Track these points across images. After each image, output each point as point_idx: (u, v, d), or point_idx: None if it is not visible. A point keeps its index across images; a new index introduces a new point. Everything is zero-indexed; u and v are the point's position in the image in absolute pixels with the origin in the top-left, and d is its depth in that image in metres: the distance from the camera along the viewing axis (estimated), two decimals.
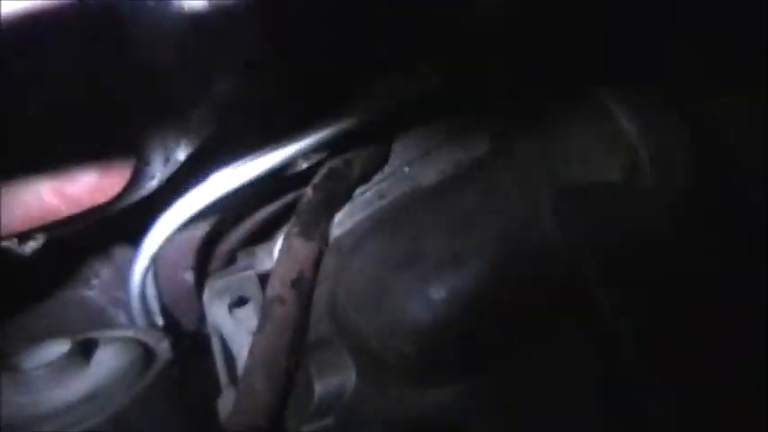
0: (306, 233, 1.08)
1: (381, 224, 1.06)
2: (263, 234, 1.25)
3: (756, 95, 0.99)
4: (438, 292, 0.97)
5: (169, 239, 1.07)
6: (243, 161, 1.08)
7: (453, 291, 0.98)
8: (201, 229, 1.21)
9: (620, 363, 0.90)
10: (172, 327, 1.16)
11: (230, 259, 1.25)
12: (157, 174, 1.01)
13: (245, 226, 1.26)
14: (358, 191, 1.15)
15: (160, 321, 1.15)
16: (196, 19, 0.96)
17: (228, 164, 1.08)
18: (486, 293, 0.97)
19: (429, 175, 1.12)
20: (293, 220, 1.10)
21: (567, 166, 0.99)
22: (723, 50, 1.06)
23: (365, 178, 1.15)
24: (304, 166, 1.13)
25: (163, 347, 0.99)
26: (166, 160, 1.02)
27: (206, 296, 1.09)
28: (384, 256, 1.01)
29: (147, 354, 0.98)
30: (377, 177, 1.16)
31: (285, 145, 1.08)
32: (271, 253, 1.11)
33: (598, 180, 0.98)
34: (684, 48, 1.07)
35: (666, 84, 1.02)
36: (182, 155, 1.03)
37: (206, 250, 1.25)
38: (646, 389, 0.88)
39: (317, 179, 1.13)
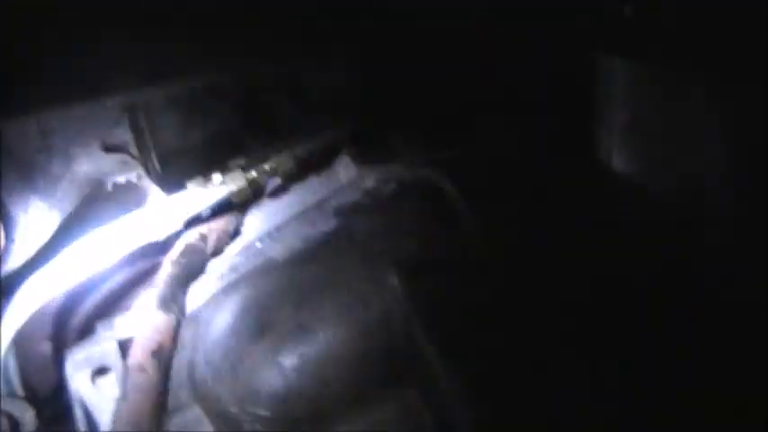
0: (164, 305, 1.15)
1: (234, 297, 1.13)
2: (120, 301, 1.30)
3: None
4: (288, 360, 1.05)
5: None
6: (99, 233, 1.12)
7: (302, 357, 1.06)
8: (56, 299, 1.26)
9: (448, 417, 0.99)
10: (31, 397, 1.19)
11: (87, 328, 1.29)
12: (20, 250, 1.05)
13: (101, 294, 1.31)
14: (212, 264, 1.21)
15: (20, 392, 1.18)
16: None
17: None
18: (332, 359, 1.06)
19: (279, 249, 1.20)
20: (152, 292, 1.17)
21: (405, 241, 1.08)
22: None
23: (218, 251, 1.22)
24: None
25: (28, 417, 1.04)
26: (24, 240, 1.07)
27: (68, 367, 1.13)
28: (238, 327, 1.09)
29: (13, 424, 1.02)
30: (230, 251, 1.21)
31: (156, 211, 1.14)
32: (129, 323, 1.16)
33: (433, 255, 1.07)
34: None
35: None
36: (44, 232, 1.07)
37: (62, 320, 1.30)
38: None
39: (173, 253, 1.19)
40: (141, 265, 1.28)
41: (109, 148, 1.15)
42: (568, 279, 1.15)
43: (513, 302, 1.04)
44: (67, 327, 1.31)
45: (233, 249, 1.24)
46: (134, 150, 1.16)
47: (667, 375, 1.07)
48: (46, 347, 1.25)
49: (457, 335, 1.03)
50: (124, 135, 1.15)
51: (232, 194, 1.14)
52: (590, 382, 1.03)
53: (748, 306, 1.07)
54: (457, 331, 1.04)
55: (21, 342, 1.21)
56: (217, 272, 1.20)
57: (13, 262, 1.08)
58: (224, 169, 1.17)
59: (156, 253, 1.24)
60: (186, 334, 1.14)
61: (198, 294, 1.19)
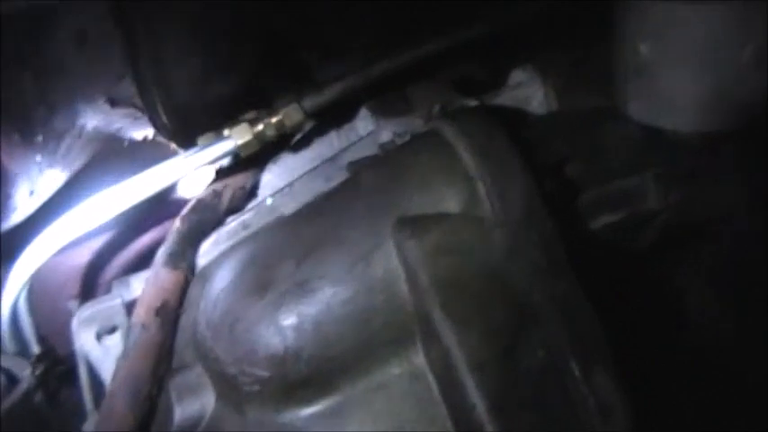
0: (172, 262, 1.11)
1: (238, 253, 1.08)
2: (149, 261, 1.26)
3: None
4: (287, 319, 0.99)
5: (41, 266, 1.07)
6: (122, 186, 1.08)
7: (301, 317, 1.00)
8: (86, 257, 1.23)
9: (457, 387, 0.91)
10: (48, 355, 1.17)
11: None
12: (20, 206, 1.02)
13: (130, 252, 1.28)
14: (226, 221, 1.16)
15: (35, 350, 1.16)
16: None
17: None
18: (333, 319, 1.00)
19: (291, 205, 1.14)
20: (161, 249, 1.12)
21: (408, 196, 1.00)
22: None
23: (234, 210, 1.17)
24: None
25: (26, 374, 1.01)
26: (31, 192, 1.04)
27: (74, 324, 1.10)
28: (238, 285, 1.04)
29: (10, 380, 1.00)
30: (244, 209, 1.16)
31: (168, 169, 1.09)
32: (142, 283, 1.12)
33: (437, 210, 0.99)
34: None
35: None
36: (48, 187, 1.04)
37: (91, 278, 1.27)
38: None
39: (185, 210, 1.15)
40: (169, 225, 1.21)
41: (115, 102, 1.09)
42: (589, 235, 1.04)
43: (525, 267, 0.93)
44: (95, 285, 1.27)
45: (248, 206, 1.16)
46: (140, 105, 1.09)
47: None
48: (72, 305, 1.20)
49: (467, 297, 0.95)
50: (130, 88, 1.08)
51: (239, 148, 1.07)
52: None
53: None
54: (467, 293, 0.95)
55: (44, 299, 1.17)
56: (228, 229, 1.15)
57: (14, 218, 1.03)
58: (233, 123, 1.09)
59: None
60: (193, 292, 1.09)
61: (208, 251, 1.13)
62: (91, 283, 1.29)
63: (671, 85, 1.02)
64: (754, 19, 0.98)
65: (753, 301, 1.11)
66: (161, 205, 1.18)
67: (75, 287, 1.25)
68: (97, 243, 1.27)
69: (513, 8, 1.19)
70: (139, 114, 1.14)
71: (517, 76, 1.23)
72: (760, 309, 1.10)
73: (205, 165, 1.11)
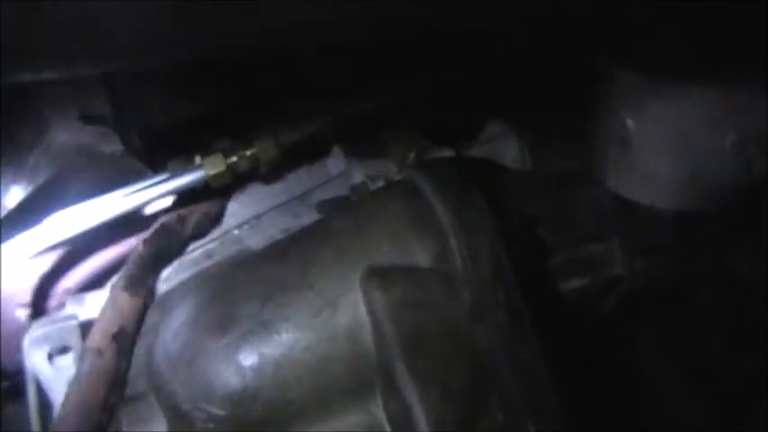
0: (131, 287, 1.08)
1: (202, 286, 1.05)
2: (106, 279, 1.23)
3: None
4: (247, 359, 0.97)
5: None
6: (87, 205, 1.04)
7: (262, 358, 0.97)
8: (41, 267, 1.19)
9: None
10: None
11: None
12: None
13: (86, 268, 1.23)
14: (189, 248, 1.12)
15: None
16: None
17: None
18: (294, 362, 0.97)
19: (257, 239, 1.12)
20: (121, 272, 1.09)
21: (378, 245, 0.98)
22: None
23: (197, 236, 1.14)
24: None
25: None
26: None
27: (26, 342, 1.06)
28: (200, 320, 1.01)
29: None
30: (208, 237, 1.13)
31: (136, 189, 1.05)
32: (97, 303, 1.08)
33: (407, 262, 0.97)
34: None
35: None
36: (13, 199, 1.00)
37: (44, 289, 1.23)
38: None
39: (148, 233, 1.11)
40: (129, 244, 1.18)
41: (87, 119, 1.05)
42: (555, 298, 1.04)
43: (490, 328, 0.91)
44: (47, 297, 1.23)
45: (211, 235, 1.13)
46: (113, 123, 1.05)
47: None
48: (22, 314, 1.16)
49: (431, 354, 0.94)
50: (104, 106, 1.05)
51: (210, 178, 1.03)
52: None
53: None
54: (432, 350, 0.94)
55: None
56: (191, 257, 1.11)
57: None
58: (206, 151, 1.06)
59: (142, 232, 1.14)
60: (151, 319, 1.06)
61: (169, 278, 1.09)
62: (43, 295, 1.24)
63: (651, 160, 1.02)
64: (739, 107, 0.98)
65: (710, 371, 1.11)
66: (123, 223, 1.13)
67: (25, 297, 1.20)
68: (54, 254, 1.22)
69: (489, 58, 1.17)
70: (110, 132, 1.09)
71: (492, 128, 1.22)
72: (717, 378, 1.11)
73: (174, 192, 1.06)
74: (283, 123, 1.11)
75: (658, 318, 1.15)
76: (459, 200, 1.01)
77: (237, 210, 1.17)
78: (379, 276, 0.98)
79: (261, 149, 1.08)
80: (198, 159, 1.08)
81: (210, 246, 1.13)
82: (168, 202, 1.15)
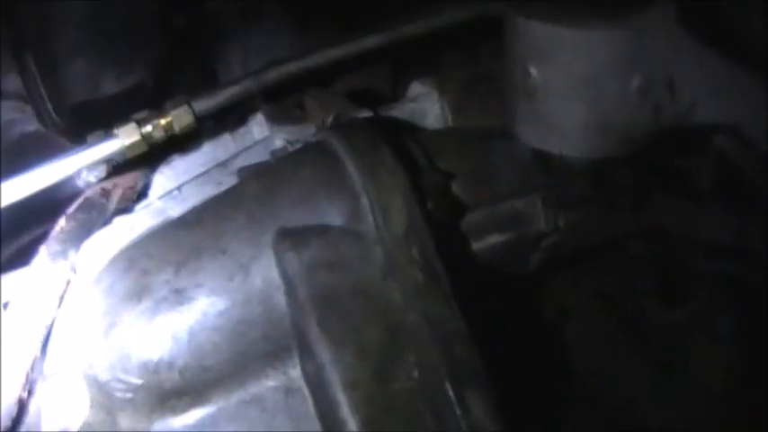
0: (53, 261, 1.05)
1: (118, 256, 1.03)
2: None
3: None
4: (162, 327, 0.95)
5: None
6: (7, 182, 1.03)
7: (177, 325, 0.96)
8: None
9: (331, 404, 0.89)
10: None
11: None
12: None
13: (10, 249, 1.22)
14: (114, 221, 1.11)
15: None
16: None
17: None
18: (209, 328, 0.96)
19: (179, 209, 1.10)
20: (43, 248, 1.07)
21: (289, 207, 0.96)
22: None
23: (123, 210, 1.12)
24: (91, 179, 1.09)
25: None
26: None
27: None
28: (115, 289, 0.99)
29: None
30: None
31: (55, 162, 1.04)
32: (18, 281, 1.06)
33: (318, 223, 0.95)
34: None
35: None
36: None
37: None
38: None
39: (71, 208, 1.09)
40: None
41: (1, 95, 1.03)
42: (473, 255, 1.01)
43: (404, 286, 0.89)
44: None
45: (136, 207, 1.11)
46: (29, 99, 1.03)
47: None
48: None
49: (344, 314, 0.92)
50: (16, 81, 1.02)
51: (125, 148, 1.01)
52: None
53: None
54: (344, 310, 0.92)
55: None
56: (113, 229, 1.08)
57: None
58: (124, 123, 1.04)
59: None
60: (73, 293, 1.03)
61: (92, 251, 1.06)
62: None
63: (559, 109, 1.00)
64: (642, 49, 0.96)
65: (639, 327, 1.09)
66: (46, 201, 1.11)
67: None
68: None
69: (415, 20, 1.15)
70: (28, 108, 1.07)
71: (415, 89, 1.20)
72: (646, 333, 1.08)
73: (92, 163, 1.04)
74: (199, 91, 1.07)
75: (586, 272, 1.12)
76: (370, 158, 0.98)
77: (162, 182, 1.15)
78: (291, 238, 0.96)
79: (175, 117, 1.05)
80: (115, 131, 1.04)
81: (133, 217, 1.10)
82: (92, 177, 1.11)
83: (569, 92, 0.99)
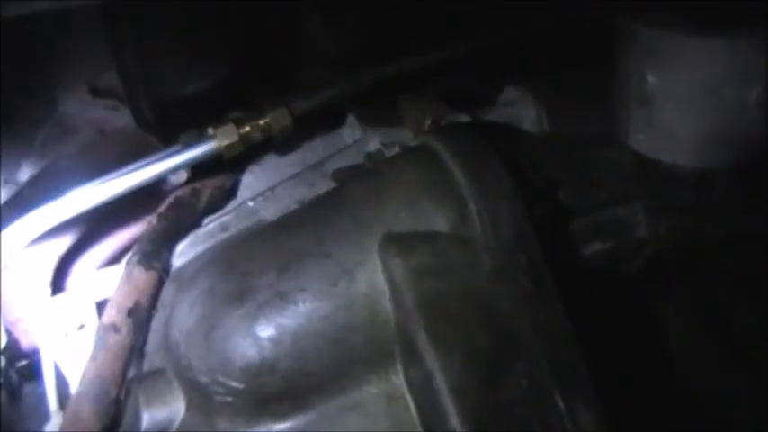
0: (146, 262, 1.05)
1: (217, 258, 1.02)
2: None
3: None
4: (265, 330, 0.94)
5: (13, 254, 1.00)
6: (107, 178, 1.01)
7: (280, 329, 0.94)
8: (58, 248, 1.16)
9: (438, 411, 0.87)
10: (11, 348, 1.09)
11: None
12: None
13: (105, 247, 1.21)
14: (204, 222, 1.09)
15: (3, 339, 1.09)
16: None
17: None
18: (312, 333, 0.94)
19: (272, 210, 1.09)
20: (135, 247, 1.06)
21: (395, 212, 0.95)
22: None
23: (212, 209, 1.10)
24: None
25: None
26: (5, 181, 0.97)
27: (42, 319, 1.03)
28: (216, 291, 0.97)
29: None
30: (222, 210, 1.10)
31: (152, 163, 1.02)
32: (113, 279, 1.05)
33: (425, 228, 0.94)
34: None
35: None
36: (23, 175, 0.97)
37: (62, 270, 1.20)
38: None
39: (162, 208, 1.08)
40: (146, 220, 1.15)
41: (97, 92, 1.02)
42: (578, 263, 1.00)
43: (512, 292, 0.87)
44: (65, 278, 1.20)
45: (226, 208, 1.09)
46: (124, 97, 1.02)
47: None
48: (42, 294, 1.13)
49: (452, 320, 0.90)
50: (113, 79, 1.01)
51: (223, 149, 1.00)
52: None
53: None
54: (452, 317, 0.90)
55: (11, 288, 1.10)
56: (206, 230, 1.08)
57: None
58: (219, 122, 1.02)
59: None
60: (167, 293, 1.02)
61: (184, 252, 1.06)
62: (62, 276, 1.21)
63: (675, 117, 0.98)
64: (762, 60, 0.94)
65: (734, 335, 1.07)
66: (139, 200, 1.10)
67: (45, 278, 1.17)
68: (71, 235, 1.19)
69: (509, 26, 1.13)
70: (121, 106, 1.06)
71: (509, 93, 1.18)
72: (741, 342, 1.06)
73: (190, 162, 1.03)
74: (296, 92, 1.06)
75: (682, 279, 1.10)
76: (477, 164, 0.97)
77: (252, 182, 1.14)
78: (398, 243, 0.94)
79: (274, 118, 1.04)
80: (210, 131, 1.03)
81: (225, 218, 1.09)
82: (183, 176, 1.10)
83: (687, 100, 0.97)
